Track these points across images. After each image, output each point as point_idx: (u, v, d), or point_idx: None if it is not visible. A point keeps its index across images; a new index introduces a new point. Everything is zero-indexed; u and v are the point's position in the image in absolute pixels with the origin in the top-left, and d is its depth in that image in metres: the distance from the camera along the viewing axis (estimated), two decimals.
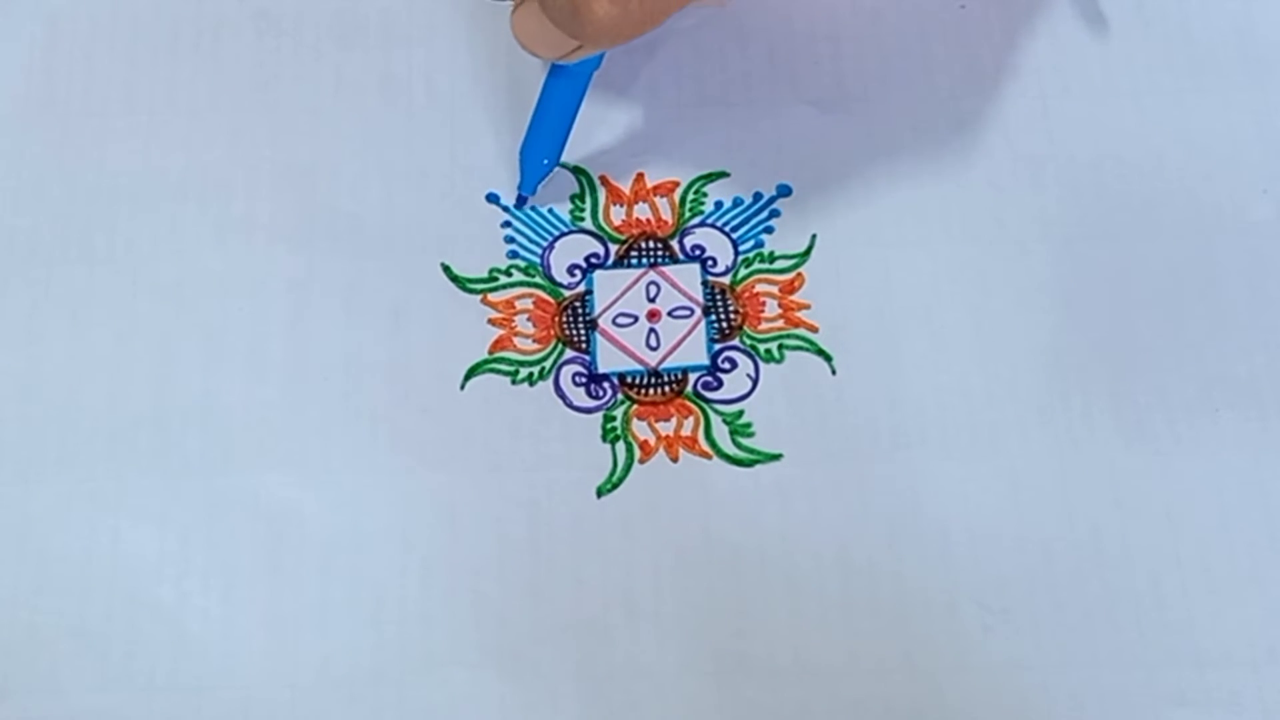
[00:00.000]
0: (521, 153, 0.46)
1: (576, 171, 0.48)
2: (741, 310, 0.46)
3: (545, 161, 0.46)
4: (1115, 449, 0.44)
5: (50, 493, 0.44)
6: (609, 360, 0.46)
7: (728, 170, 0.48)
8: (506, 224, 0.47)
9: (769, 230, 0.47)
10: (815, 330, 0.46)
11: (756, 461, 0.44)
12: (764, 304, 0.46)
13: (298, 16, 0.50)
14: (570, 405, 0.45)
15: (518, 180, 0.47)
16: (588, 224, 0.47)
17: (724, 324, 0.46)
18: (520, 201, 0.47)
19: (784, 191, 0.47)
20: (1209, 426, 0.45)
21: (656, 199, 0.48)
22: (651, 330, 0.46)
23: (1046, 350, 0.45)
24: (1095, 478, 0.44)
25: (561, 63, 0.42)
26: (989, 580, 0.43)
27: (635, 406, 0.45)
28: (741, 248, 0.47)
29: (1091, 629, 0.43)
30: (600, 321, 0.46)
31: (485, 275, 0.47)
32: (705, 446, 0.44)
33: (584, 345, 0.46)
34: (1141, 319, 0.46)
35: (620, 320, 0.46)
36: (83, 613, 0.43)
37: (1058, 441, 0.44)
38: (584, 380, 0.45)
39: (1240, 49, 0.49)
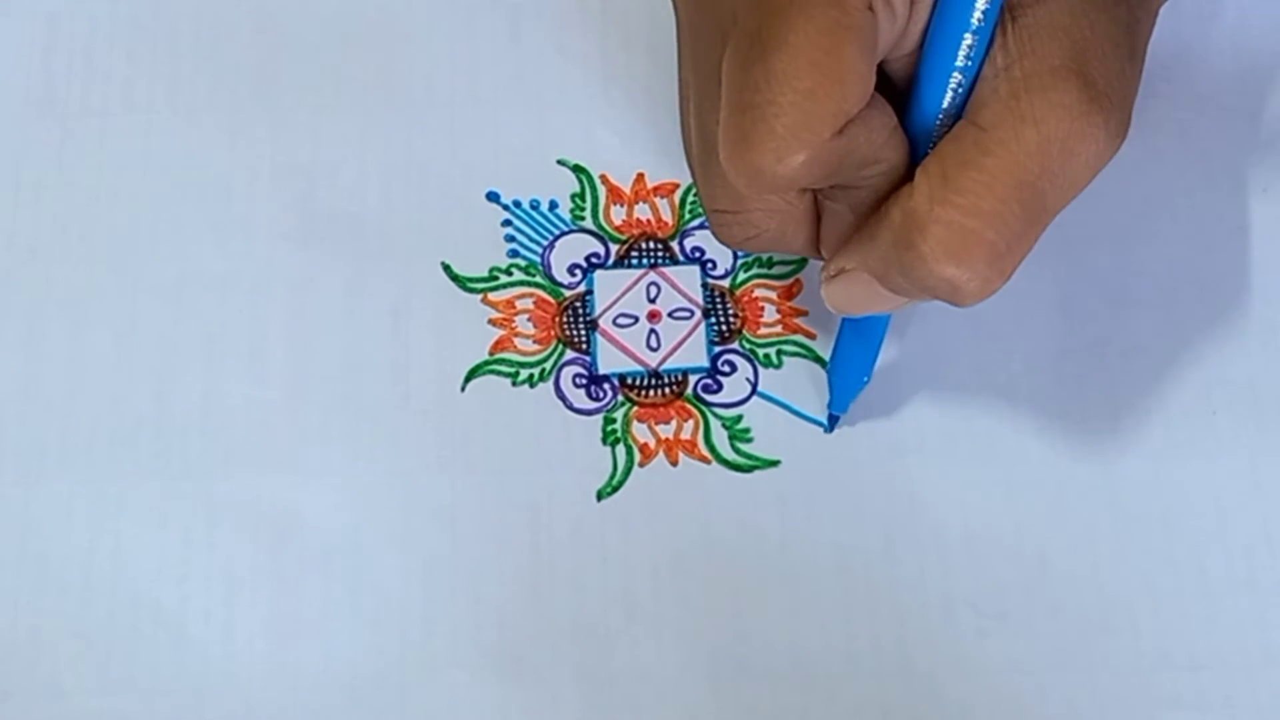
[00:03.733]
0: (830, 371, 0.44)
1: (576, 170, 0.48)
2: (741, 314, 0.46)
3: (862, 379, 0.43)
4: (1111, 452, 0.44)
5: (51, 494, 0.44)
6: (609, 361, 0.46)
7: None
8: (507, 223, 0.47)
9: None
10: (813, 337, 0.46)
11: (755, 467, 0.44)
12: (763, 309, 0.46)
13: (298, 16, 0.49)
14: (570, 407, 0.45)
15: (827, 398, 0.45)
16: (588, 223, 0.47)
17: (723, 327, 0.46)
18: (832, 421, 0.45)
19: None
20: (1206, 429, 0.45)
21: (657, 199, 0.47)
22: (652, 331, 0.46)
23: (1043, 353, 0.45)
24: (1091, 481, 0.44)
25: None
26: (985, 584, 0.43)
27: (635, 408, 0.45)
28: (740, 251, 0.47)
29: (1087, 632, 0.43)
30: (601, 322, 0.46)
31: (486, 274, 0.47)
32: (704, 451, 0.45)
33: (584, 346, 0.46)
34: (1139, 320, 0.46)
35: (621, 321, 0.46)
36: (84, 615, 0.43)
37: (1053, 445, 0.44)
38: (584, 382, 0.45)
39: (1237, 59, 0.49)
